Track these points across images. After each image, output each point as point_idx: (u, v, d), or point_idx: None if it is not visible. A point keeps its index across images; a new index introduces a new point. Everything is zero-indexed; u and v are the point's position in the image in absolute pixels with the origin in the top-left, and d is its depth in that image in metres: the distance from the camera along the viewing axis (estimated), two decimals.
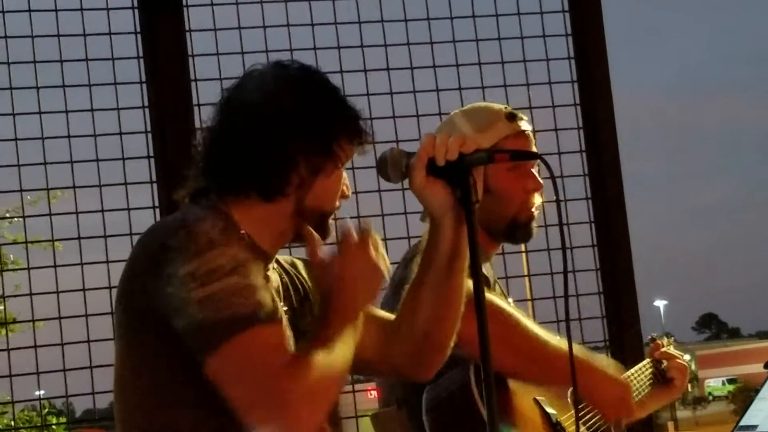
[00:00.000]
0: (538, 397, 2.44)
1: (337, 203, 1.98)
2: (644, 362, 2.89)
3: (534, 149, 2.59)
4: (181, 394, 1.81)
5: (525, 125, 2.58)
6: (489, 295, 2.32)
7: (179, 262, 1.77)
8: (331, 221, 1.98)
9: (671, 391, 2.91)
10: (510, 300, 2.63)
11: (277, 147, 1.89)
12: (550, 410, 2.43)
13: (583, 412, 2.52)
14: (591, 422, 2.53)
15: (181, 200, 1.98)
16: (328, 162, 1.91)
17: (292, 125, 1.89)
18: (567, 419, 2.45)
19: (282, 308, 1.94)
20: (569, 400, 2.49)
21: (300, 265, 2.10)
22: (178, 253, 1.78)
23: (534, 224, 2.60)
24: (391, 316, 2.09)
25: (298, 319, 1.99)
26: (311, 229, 1.94)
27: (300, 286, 2.05)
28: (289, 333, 1.91)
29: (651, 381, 2.86)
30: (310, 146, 1.90)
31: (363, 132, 1.96)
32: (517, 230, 2.58)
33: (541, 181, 2.58)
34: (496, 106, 2.63)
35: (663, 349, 2.93)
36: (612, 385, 2.48)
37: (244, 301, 1.76)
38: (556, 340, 2.41)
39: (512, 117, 2.57)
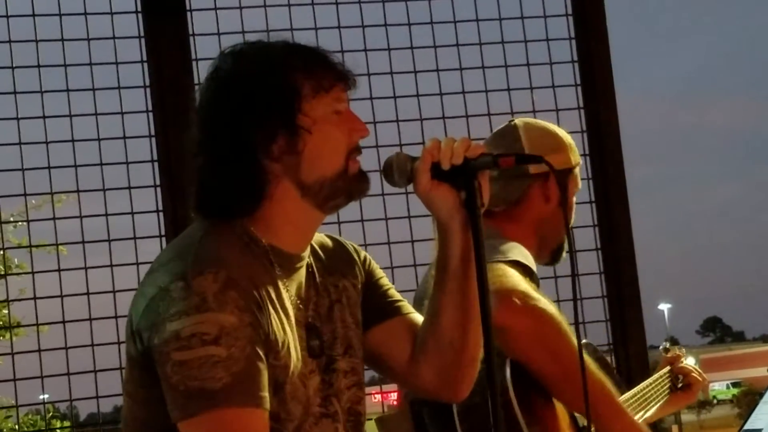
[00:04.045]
0: None
1: (346, 151, 1.89)
2: (663, 371, 2.90)
3: None
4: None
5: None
6: (541, 299, 2.34)
7: (169, 316, 1.74)
8: (356, 173, 1.89)
9: (687, 395, 2.94)
10: None
11: (234, 157, 1.83)
12: (577, 415, 2.43)
13: None
14: None
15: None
16: (297, 136, 1.84)
17: (238, 129, 1.83)
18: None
19: (300, 314, 1.89)
20: None
21: (333, 250, 2.03)
22: (171, 305, 1.74)
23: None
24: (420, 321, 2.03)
25: (323, 324, 1.94)
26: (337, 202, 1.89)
27: (333, 288, 1.98)
28: (296, 345, 1.86)
29: (669, 390, 2.90)
30: (268, 138, 1.83)
31: (327, 76, 1.88)
32: (562, 250, 2.65)
33: None
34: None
35: (682, 363, 2.94)
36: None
37: (216, 375, 1.70)
38: (595, 368, 2.38)
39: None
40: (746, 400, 35.69)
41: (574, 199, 2.67)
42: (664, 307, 57.87)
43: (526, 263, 2.43)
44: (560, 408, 2.41)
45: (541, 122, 2.69)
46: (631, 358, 3.71)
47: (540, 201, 2.56)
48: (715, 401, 49.68)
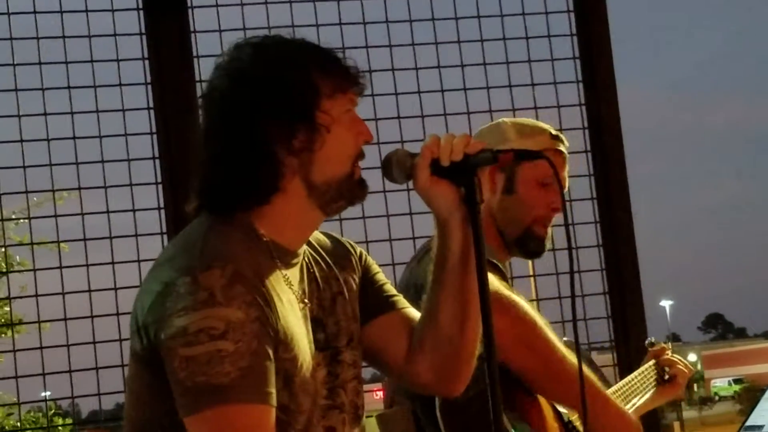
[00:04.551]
0: None
1: (354, 155, 1.90)
2: (649, 364, 2.91)
3: (566, 174, 2.65)
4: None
5: (563, 148, 2.65)
6: (516, 298, 2.36)
7: (176, 311, 1.73)
8: (359, 178, 1.90)
9: (673, 388, 2.94)
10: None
11: (251, 148, 1.83)
12: (561, 409, 2.44)
13: None
14: None
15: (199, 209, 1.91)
16: (316, 132, 1.85)
17: (257, 120, 1.83)
18: (578, 419, 2.47)
19: (305, 307, 1.90)
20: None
21: (331, 246, 2.04)
22: (178, 300, 1.74)
23: (546, 243, 2.63)
24: (416, 316, 2.04)
25: (327, 317, 1.95)
26: (340, 204, 1.90)
27: (334, 281, 1.99)
28: (303, 338, 1.87)
29: (655, 382, 2.90)
30: (288, 131, 1.84)
31: (345, 78, 1.89)
32: (530, 241, 2.60)
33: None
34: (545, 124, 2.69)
35: (667, 355, 2.95)
36: (620, 422, 2.48)
37: (223, 370, 1.70)
38: (573, 359, 2.41)
39: (556, 137, 2.64)
40: (748, 396, 35.67)
41: (565, 185, 2.65)
42: (665, 303, 57.82)
43: (494, 261, 2.44)
44: (544, 403, 2.42)
45: (501, 119, 2.69)
46: (632, 355, 3.71)
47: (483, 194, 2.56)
48: (716, 398, 49.71)
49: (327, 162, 1.87)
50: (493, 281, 2.31)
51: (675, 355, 2.97)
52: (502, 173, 2.56)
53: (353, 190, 1.91)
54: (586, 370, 2.40)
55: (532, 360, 2.33)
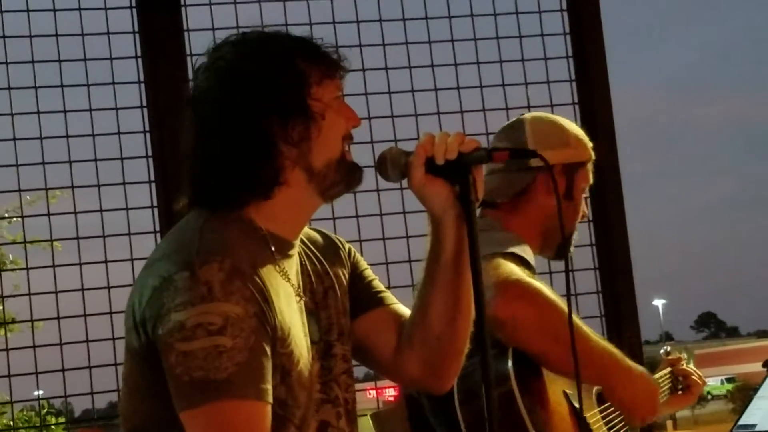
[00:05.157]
0: (567, 391, 2.45)
1: (345, 138, 1.91)
2: (665, 371, 2.93)
3: None
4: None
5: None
6: (540, 285, 2.37)
7: (174, 306, 1.73)
8: (351, 161, 1.92)
9: (687, 397, 2.96)
10: None
11: (251, 146, 1.83)
12: (577, 405, 2.45)
13: (606, 412, 2.55)
14: (612, 423, 2.55)
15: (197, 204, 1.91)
16: (312, 121, 1.86)
17: (254, 117, 1.84)
18: (592, 416, 2.48)
19: (300, 301, 1.91)
20: (593, 398, 2.52)
21: (321, 241, 2.05)
22: (176, 295, 1.74)
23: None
24: (407, 314, 2.05)
25: (320, 310, 1.96)
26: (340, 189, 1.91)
27: (326, 275, 2.00)
28: (299, 332, 1.88)
29: (669, 391, 2.92)
30: (285, 123, 1.84)
31: (331, 64, 1.90)
32: (568, 246, 2.63)
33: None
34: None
35: (682, 365, 2.97)
36: (643, 386, 2.52)
37: (220, 366, 1.70)
38: (598, 337, 2.45)
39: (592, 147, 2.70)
40: (740, 395, 35.72)
41: (584, 195, 2.68)
42: (658, 302, 57.93)
43: (522, 255, 2.44)
44: (561, 399, 2.42)
45: (551, 117, 2.71)
46: (625, 354, 3.71)
47: (544, 194, 2.57)
48: (709, 397, 49.73)
49: (324, 147, 1.88)
50: (515, 270, 2.33)
51: (690, 366, 2.98)
52: (564, 177, 2.58)
53: (350, 173, 1.92)
54: (607, 345, 2.48)
55: (556, 346, 2.29)
